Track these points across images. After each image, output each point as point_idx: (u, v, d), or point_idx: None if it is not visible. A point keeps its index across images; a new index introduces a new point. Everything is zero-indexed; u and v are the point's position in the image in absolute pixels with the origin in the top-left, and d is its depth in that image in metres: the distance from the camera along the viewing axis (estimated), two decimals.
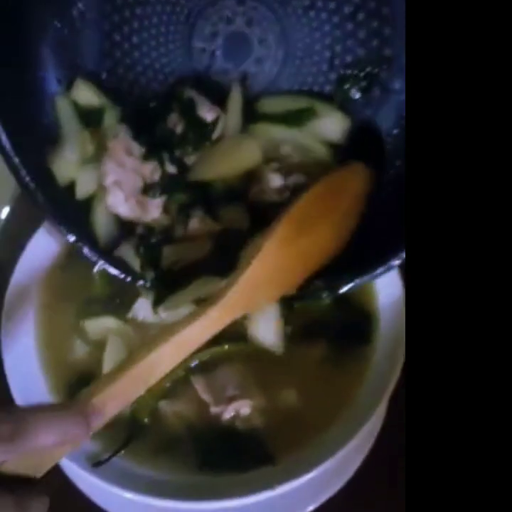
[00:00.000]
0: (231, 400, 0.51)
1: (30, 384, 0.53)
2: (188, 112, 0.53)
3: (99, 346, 0.54)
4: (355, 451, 0.53)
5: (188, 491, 0.48)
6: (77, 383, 0.53)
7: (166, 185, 0.53)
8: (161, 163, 0.53)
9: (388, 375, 0.50)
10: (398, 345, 0.52)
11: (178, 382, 0.52)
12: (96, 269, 0.57)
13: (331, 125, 0.54)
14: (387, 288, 0.54)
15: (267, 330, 0.52)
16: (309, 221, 0.47)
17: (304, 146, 0.53)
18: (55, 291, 0.59)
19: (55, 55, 0.56)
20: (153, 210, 0.53)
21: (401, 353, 0.51)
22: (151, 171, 0.53)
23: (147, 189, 0.53)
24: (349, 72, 0.54)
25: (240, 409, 0.51)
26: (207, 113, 0.53)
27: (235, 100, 0.54)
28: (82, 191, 0.55)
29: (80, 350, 0.55)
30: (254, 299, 0.46)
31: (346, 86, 0.54)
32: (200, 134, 0.53)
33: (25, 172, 0.52)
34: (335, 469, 0.51)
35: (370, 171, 0.51)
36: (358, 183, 0.50)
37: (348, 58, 0.54)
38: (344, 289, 0.52)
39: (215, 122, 0.53)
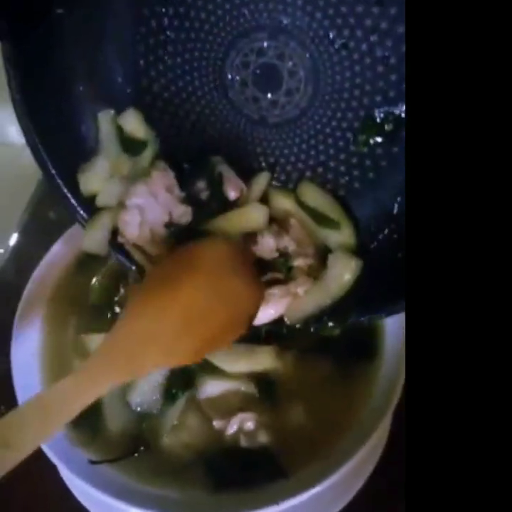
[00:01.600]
0: (235, 414, 0.54)
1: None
2: (216, 186, 0.55)
3: None
4: (363, 462, 0.56)
5: (204, 510, 0.51)
6: None
7: (182, 234, 0.55)
8: (194, 213, 0.55)
9: (393, 388, 0.53)
10: (403, 359, 0.55)
11: (185, 407, 0.55)
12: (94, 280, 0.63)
13: (341, 242, 0.55)
14: None
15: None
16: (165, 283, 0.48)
17: (311, 231, 0.55)
18: (60, 312, 0.63)
19: (94, 86, 0.57)
20: (161, 246, 0.54)
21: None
22: (182, 213, 0.55)
23: (168, 226, 0.54)
24: (376, 113, 0.53)
25: (243, 425, 0.53)
26: (231, 191, 0.55)
27: (259, 184, 0.57)
28: (102, 200, 0.56)
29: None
30: (128, 367, 0.45)
31: (371, 130, 0.53)
32: (221, 207, 0.55)
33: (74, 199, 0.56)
34: (343, 482, 0.52)
35: (232, 243, 0.52)
36: (214, 251, 0.51)
37: (378, 98, 0.52)
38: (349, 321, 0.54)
39: (236, 200, 0.55)
